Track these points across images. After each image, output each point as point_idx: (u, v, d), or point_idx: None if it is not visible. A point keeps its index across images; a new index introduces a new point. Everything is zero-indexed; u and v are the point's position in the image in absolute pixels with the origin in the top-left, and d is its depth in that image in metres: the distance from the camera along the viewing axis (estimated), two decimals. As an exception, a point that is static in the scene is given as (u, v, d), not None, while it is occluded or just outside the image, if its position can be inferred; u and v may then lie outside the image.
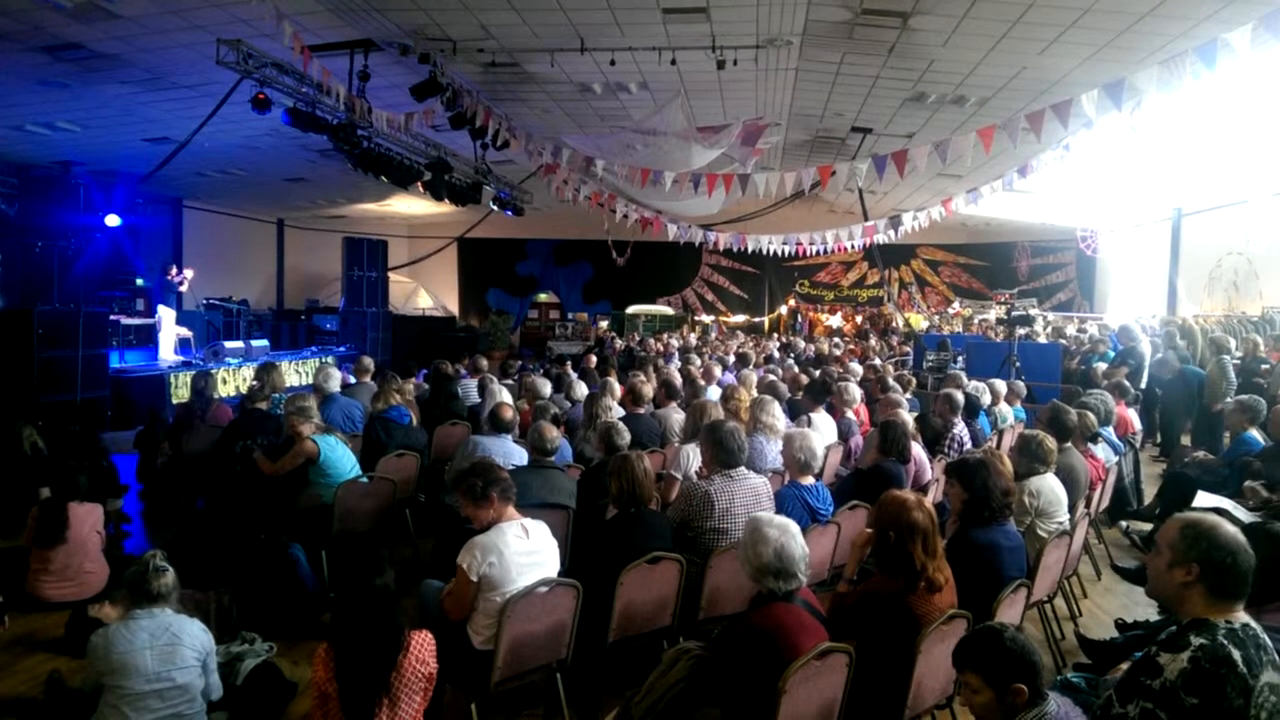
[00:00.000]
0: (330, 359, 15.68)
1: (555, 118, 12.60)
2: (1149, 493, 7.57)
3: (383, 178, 11.87)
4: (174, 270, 14.03)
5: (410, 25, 8.94)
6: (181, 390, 11.78)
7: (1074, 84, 9.47)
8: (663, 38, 9.13)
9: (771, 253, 15.21)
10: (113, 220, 14.51)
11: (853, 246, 15.11)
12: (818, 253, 15.56)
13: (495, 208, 16.18)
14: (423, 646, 2.96)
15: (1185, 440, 10.06)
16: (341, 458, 5.50)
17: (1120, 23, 7.99)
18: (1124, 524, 6.92)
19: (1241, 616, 2.25)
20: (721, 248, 15.50)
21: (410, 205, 20.54)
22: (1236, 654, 2.13)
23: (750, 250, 15.09)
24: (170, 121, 12.06)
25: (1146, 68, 7.01)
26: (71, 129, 12.72)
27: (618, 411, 6.47)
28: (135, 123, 12.34)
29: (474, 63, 9.98)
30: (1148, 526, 6.72)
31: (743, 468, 4.31)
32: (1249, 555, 2.25)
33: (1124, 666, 2.85)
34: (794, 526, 2.92)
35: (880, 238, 13.95)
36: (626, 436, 5.02)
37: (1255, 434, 6.64)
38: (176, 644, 3.34)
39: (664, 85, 10.66)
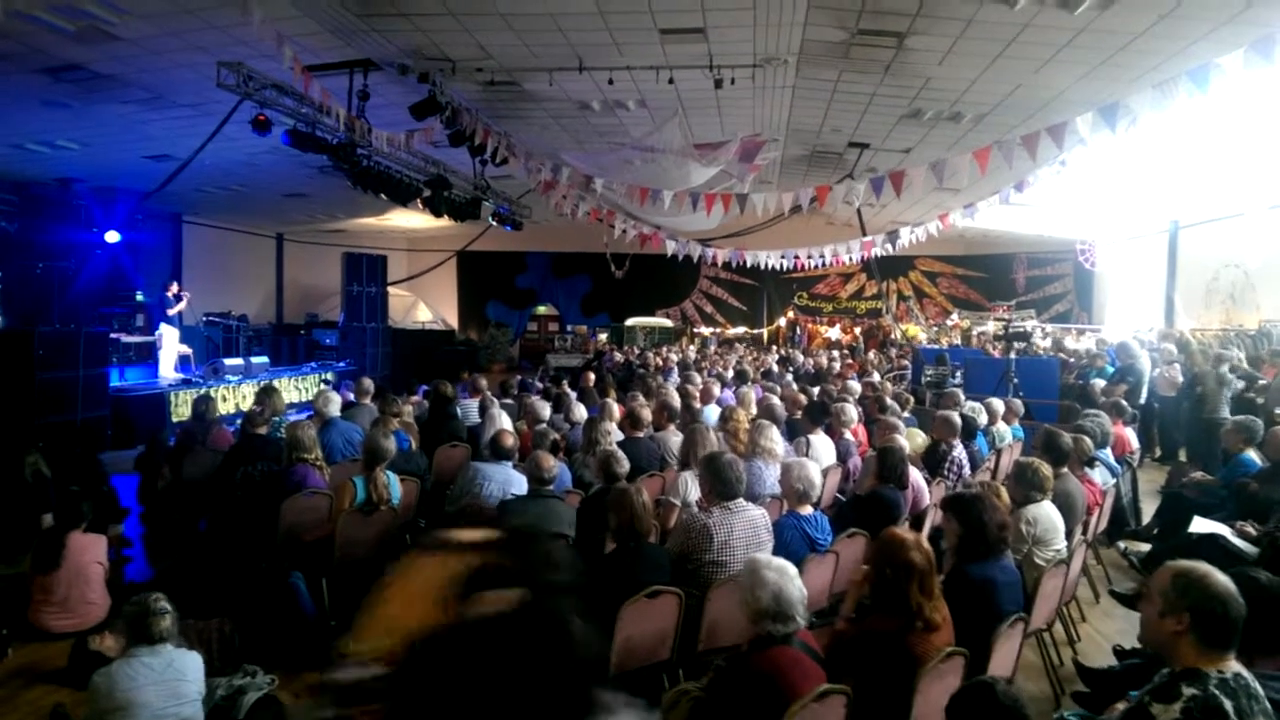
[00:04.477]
0: (330, 375, 15.73)
1: (554, 134, 12.65)
2: (1147, 511, 7.58)
3: (382, 195, 11.94)
4: (175, 286, 14.06)
5: (409, 45, 8.99)
6: (182, 408, 11.79)
7: (1069, 101, 9.55)
8: (660, 57, 9.19)
9: (770, 266, 15.27)
10: (112, 236, 14.62)
11: (851, 260, 15.17)
12: (816, 266, 15.63)
13: (494, 223, 16.25)
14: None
15: (1183, 455, 10.11)
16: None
17: (1114, 42, 8.04)
18: (1122, 545, 6.93)
19: (1233, 666, 2.28)
20: (720, 263, 15.53)
21: (409, 219, 20.60)
22: (1228, 704, 2.16)
23: (749, 265, 15.15)
24: (171, 139, 12.11)
25: (1141, 88, 7.07)
26: (72, 147, 12.76)
27: (616, 436, 6.49)
28: (136, 141, 12.38)
29: (473, 81, 10.04)
30: (1146, 547, 6.73)
31: (741, 499, 4.33)
32: (1240, 605, 2.28)
33: (1119, 706, 2.87)
34: (791, 569, 2.94)
35: (878, 251, 14.01)
36: (625, 465, 5.04)
37: (1253, 455, 6.66)
38: (180, 680, 3.39)
39: (662, 103, 10.72)
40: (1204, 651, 2.28)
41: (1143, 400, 10.48)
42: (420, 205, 13.17)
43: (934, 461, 6.53)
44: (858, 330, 24.54)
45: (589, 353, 22.79)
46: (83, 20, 7.87)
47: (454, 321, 27.27)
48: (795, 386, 10.70)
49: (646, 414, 6.88)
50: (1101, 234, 20.11)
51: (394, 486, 5.55)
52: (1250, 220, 14.72)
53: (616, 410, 7.23)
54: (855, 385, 10.57)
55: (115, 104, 10.55)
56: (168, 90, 10.10)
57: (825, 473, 6.00)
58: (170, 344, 13.71)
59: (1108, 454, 6.87)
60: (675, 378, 12.28)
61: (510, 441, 5.71)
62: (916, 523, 5.44)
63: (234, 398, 12.98)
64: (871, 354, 19.17)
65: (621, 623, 3.67)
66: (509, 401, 9.10)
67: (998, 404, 8.41)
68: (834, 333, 24.75)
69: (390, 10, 8.00)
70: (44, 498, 6.02)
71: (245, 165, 14.19)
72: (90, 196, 14.91)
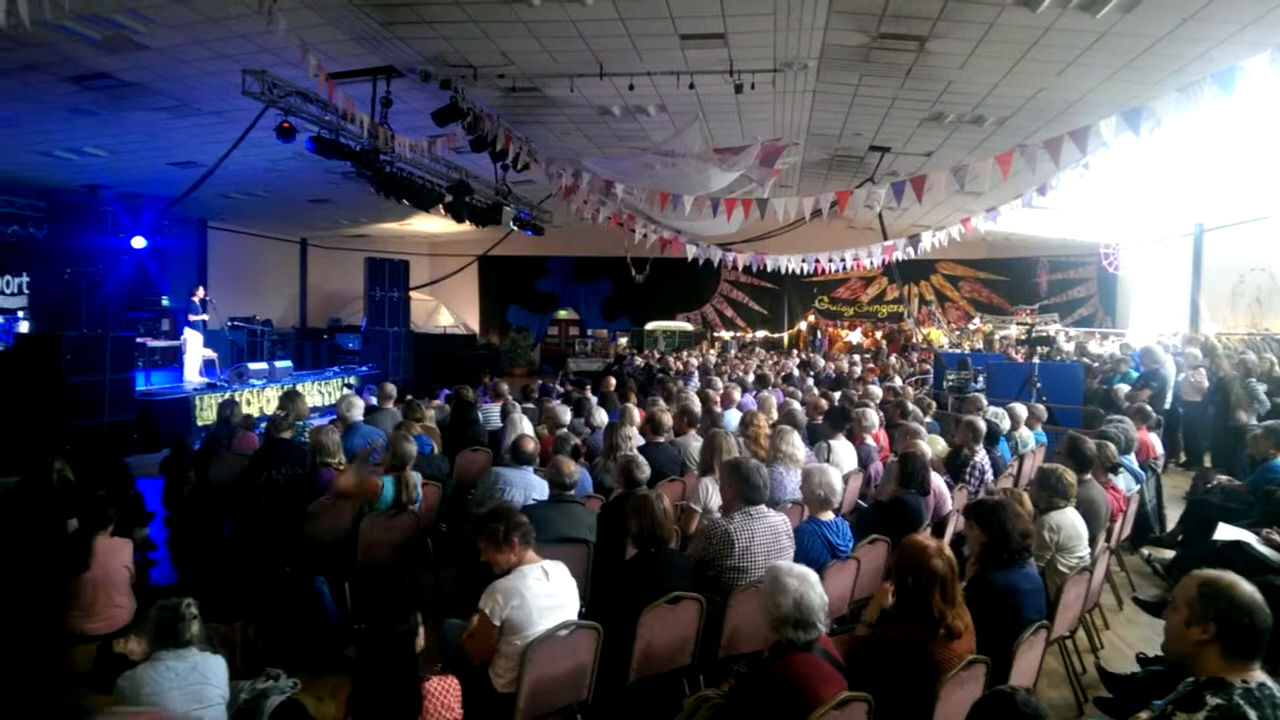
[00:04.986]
0: (353, 379, 15.85)
1: (575, 139, 12.71)
2: (1171, 517, 7.51)
3: (405, 201, 12.03)
4: (200, 292, 14.22)
5: (431, 52, 9.06)
6: (207, 412, 11.93)
7: (1092, 104, 9.48)
8: (681, 63, 9.22)
9: (791, 270, 15.25)
10: (139, 242, 14.81)
11: (872, 264, 15.12)
12: (836, 270, 15.58)
13: (515, 228, 16.32)
14: (448, 692, 2.99)
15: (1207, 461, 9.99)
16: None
17: (1137, 45, 7.99)
18: (1145, 551, 6.87)
19: (1258, 676, 2.26)
20: (740, 267, 15.51)
21: (431, 224, 20.73)
22: (1253, 714, 2.15)
23: (769, 269, 15.12)
24: (196, 146, 12.27)
25: (1164, 91, 7.00)
26: (99, 154, 12.95)
27: (637, 440, 6.50)
28: (162, 147, 12.55)
29: (494, 88, 10.10)
30: (1170, 553, 6.67)
31: (763, 505, 4.33)
32: (1266, 615, 2.26)
33: (1143, 715, 2.85)
34: (813, 576, 2.94)
35: (899, 255, 13.94)
36: (646, 471, 5.05)
37: (1282, 462, 6.57)
38: (204, 684, 3.41)
39: (682, 108, 10.74)
40: (1229, 661, 2.26)
41: (1167, 405, 10.37)
42: (442, 210, 13.25)
43: (956, 467, 6.50)
44: (879, 334, 24.42)
45: (609, 357, 22.79)
46: (110, 29, 8.00)
47: (475, 326, 27.38)
48: (816, 391, 10.69)
49: (667, 419, 6.90)
50: (1125, 237, 19.92)
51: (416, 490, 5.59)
52: (1277, 223, 14.52)
53: (637, 415, 7.25)
54: (876, 390, 10.52)
55: (141, 111, 10.70)
56: (193, 98, 10.23)
57: (846, 478, 5.99)
58: (195, 348, 13.87)
59: (1132, 460, 6.80)
60: (696, 382, 12.29)
61: (531, 446, 5.74)
62: (938, 529, 5.42)
63: (258, 402, 13.11)
64: (893, 358, 19.06)
65: (642, 628, 3.68)
66: (530, 406, 9.14)
67: (1020, 409, 8.34)
68: (855, 337, 24.63)
69: (412, 18, 8.08)
70: (69, 503, 6.09)
71: (269, 172, 14.36)
72: (117, 203, 15.12)
